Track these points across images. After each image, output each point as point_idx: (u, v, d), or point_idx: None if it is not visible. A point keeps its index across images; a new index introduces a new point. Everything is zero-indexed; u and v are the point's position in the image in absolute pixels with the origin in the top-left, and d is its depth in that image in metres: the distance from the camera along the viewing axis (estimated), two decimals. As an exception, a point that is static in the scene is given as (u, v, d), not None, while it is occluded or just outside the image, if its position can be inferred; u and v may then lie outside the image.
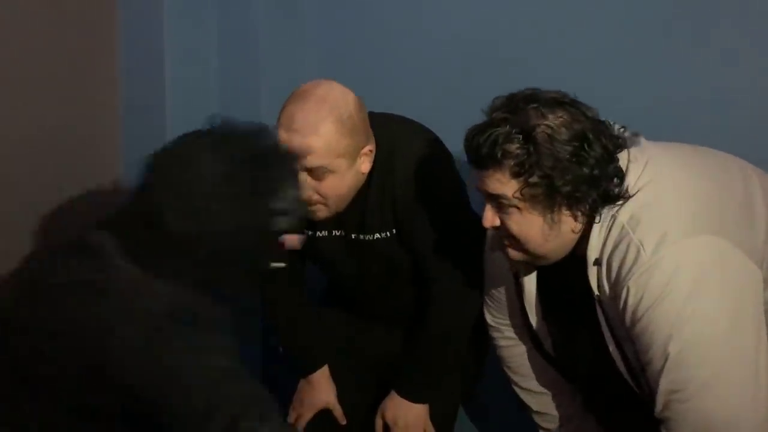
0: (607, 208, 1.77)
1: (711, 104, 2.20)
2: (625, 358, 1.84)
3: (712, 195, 1.78)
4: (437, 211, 2.20)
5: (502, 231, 1.84)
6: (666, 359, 1.71)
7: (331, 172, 2.10)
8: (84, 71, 2.62)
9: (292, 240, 1.86)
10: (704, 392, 1.70)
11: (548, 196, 1.74)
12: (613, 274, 1.77)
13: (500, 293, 2.12)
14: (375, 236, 2.26)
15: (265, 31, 2.77)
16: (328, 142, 2.07)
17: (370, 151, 2.17)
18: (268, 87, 2.79)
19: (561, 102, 1.75)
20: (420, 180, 2.18)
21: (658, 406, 1.75)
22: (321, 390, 2.47)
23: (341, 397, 2.53)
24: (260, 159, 1.75)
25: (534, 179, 1.73)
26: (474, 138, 1.77)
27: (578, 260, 1.84)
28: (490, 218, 1.83)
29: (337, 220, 2.27)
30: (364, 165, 2.17)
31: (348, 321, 2.54)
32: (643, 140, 1.84)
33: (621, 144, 1.78)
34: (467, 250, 2.21)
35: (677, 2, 2.23)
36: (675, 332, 1.70)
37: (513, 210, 1.78)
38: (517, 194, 1.75)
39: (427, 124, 2.33)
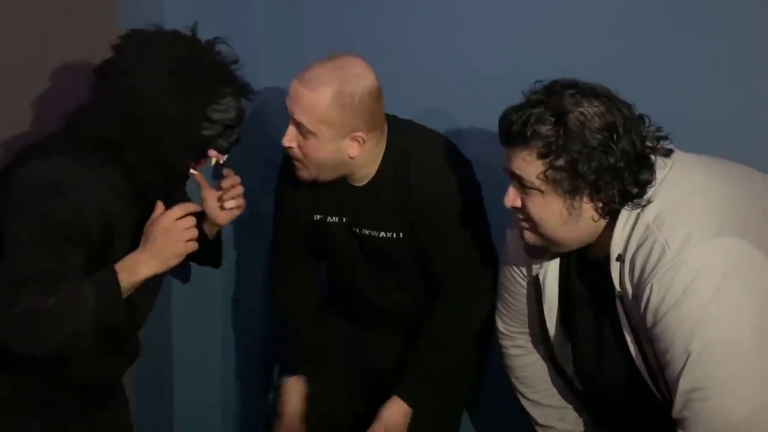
0: (629, 206, 1.78)
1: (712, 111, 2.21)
2: (645, 358, 1.84)
3: (735, 199, 1.80)
4: (454, 218, 2.21)
5: (522, 212, 1.85)
6: (687, 357, 1.71)
7: (312, 134, 2.15)
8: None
9: (217, 156, 2.09)
10: (725, 390, 1.70)
11: (571, 182, 1.76)
12: (637, 273, 1.77)
13: (516, 299, 2.12)
14: (381, 234, 2.28)
15: (265, 29, 2.80)
16: (318, 103, 2.12)
17: (363, 140, 2.17)
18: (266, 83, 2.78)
19: (599, 93, 1.78)
20: (438, 186, 2.20)
21: (677, 406, 1.74)
22: (287, 398, 2.49)
23: (339, 410, 2.55)
24: (217, 73, 2.00)
25: (559, 162, 1.75)
26: (508, 115, 1.80)
27: (600, 260, 1.85)
28: (512, 198, 1.85)
29: (344, 209, 2.30)
30: (352, 149, 2.18)
31: (348, 330, 2.54)
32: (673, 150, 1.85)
33: (651, 146, 1.80)
34: (479, 260, 2.23)
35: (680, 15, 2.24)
36: (698, 330, 1.70)
37: (534, 192, 1.80)
38: (541, 176, 1.77)
39: (427, 125, 2.35)
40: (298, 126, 2.16)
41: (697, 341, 1.70)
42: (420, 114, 2.40)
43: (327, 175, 2.22)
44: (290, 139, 2.19)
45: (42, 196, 1.93)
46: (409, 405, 2.33)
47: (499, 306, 2.18)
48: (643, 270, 1.76)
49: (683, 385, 1.72)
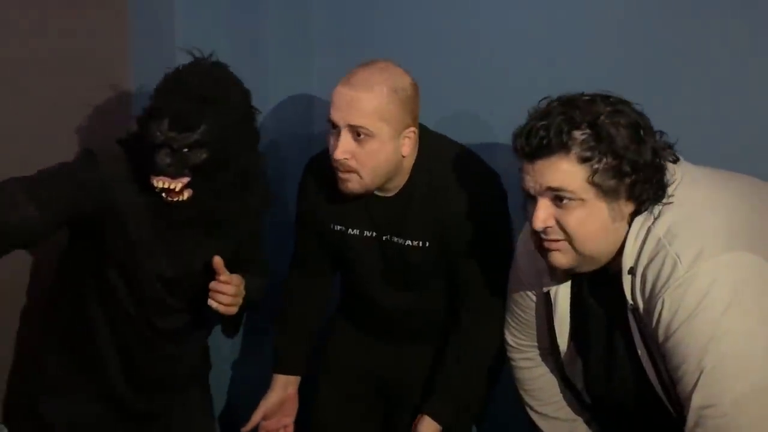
0: (650, 209, 1.77)
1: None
2: (658, 372, 1.82)
3: (746, 214, 1.79)
4: (482, 229, 2.20)
5: (553, 232, 1.80)
6: (700, 373, 1.69)
7: (373, 136, 2.13)
8: (98, 89, 2.58)
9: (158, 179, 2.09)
10: (739, 407, 1.67)
11: (615, 182, 1.75)
12: (648, 287, 1.75)
13: (526, 313, 2.10)
14: (408, 243, 2.26)
15: (274, 37, 2.79)
16: (378, 102, 2.13)
17: (414, 134, 2.19)
18: (275, 94, 2.80)
19: (608, 97, 1.78)
20: (469, 196, 2.19)
21: (690, 423, 1.72)
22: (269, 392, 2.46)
23: (344, 418, 2.52)
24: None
25: (602, 164, 1.73)
26: (533, 129, 1.76)
27: (612, 275, 1.83)
28: (543, 218, 1.79)
29: (371, 220, 2.28)
30: (405, 147, 2.18)
31: (357, 338, 2.52)
32: (680, 158, 1.85)
33: (663, 146, 1.80)
34: (506, 273, 2.19)
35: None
36: (711, 346, 1.68)
37: (575, 204, 1.76)
38: (588, 180, 1.74)
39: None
40: (356, 131, 2.13)
41: (710, 357, 1.68)
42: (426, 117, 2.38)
43: (378, 183, 2.21)
44: (345, 150, 2.14)
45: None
46: (441, 424, 2.28)
47: (509, 319, 2.16)
48: (654, 284, 1.74)
49: (696, 401, 1.70)
